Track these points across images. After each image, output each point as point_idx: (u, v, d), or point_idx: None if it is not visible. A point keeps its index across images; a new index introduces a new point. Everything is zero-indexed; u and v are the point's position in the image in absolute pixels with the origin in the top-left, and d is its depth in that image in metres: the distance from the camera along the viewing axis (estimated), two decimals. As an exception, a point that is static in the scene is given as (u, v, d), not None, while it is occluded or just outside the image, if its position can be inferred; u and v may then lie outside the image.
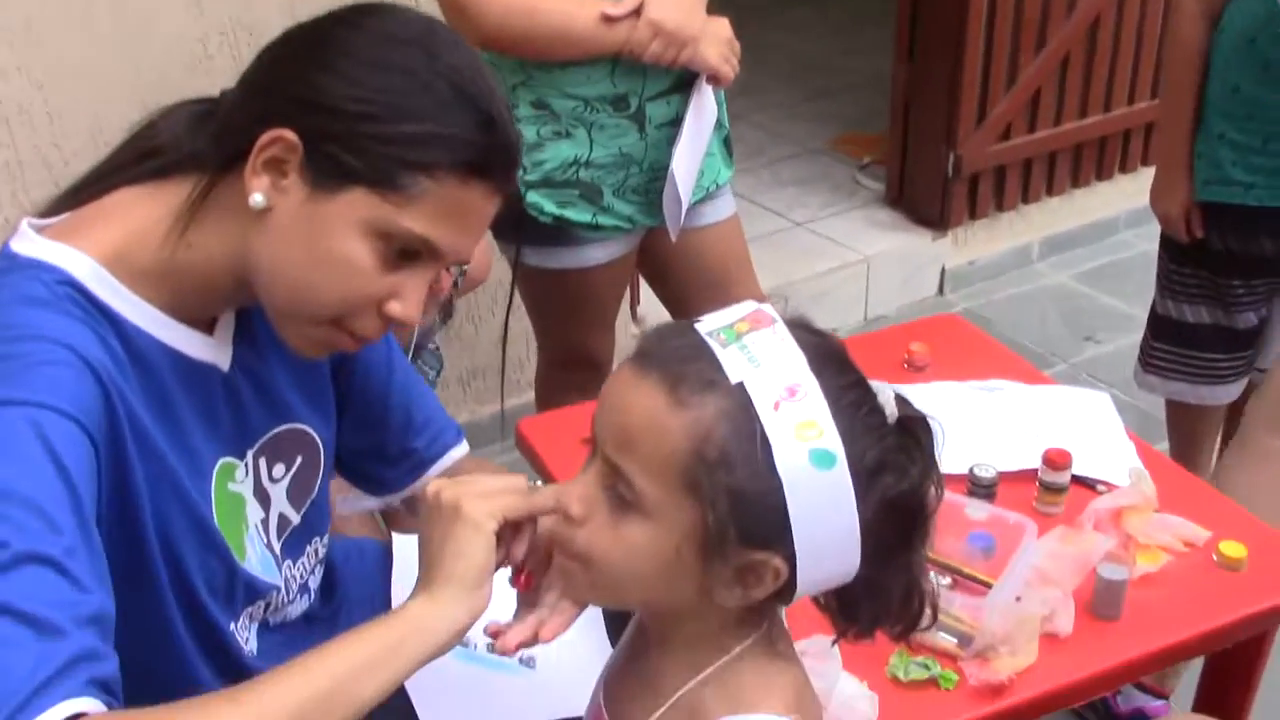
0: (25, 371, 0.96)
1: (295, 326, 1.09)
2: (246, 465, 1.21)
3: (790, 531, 0.86)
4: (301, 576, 1.32)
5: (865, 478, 0.88)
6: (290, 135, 1.02)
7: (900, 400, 0.95)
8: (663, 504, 0.88)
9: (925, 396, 1.80)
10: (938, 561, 1.47)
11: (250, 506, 1.22)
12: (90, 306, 1.04)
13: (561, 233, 2.03)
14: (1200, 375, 2.30)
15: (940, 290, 3.62)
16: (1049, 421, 1.75)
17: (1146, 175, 3.59)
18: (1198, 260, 2.21)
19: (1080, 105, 3.58)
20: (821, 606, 0.97)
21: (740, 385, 0.87)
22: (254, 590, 1.22)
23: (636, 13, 1.86)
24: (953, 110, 3.38)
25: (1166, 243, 2.28)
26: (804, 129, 4.35)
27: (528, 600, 1.05)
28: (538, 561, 1.04)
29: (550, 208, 2.00)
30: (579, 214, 2.01)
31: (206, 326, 1.15)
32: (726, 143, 2.17)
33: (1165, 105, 2.28)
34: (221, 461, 1.18)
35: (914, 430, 0.93)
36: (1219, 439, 2.44)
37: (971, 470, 1.62)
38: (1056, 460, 1.59)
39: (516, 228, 1.99)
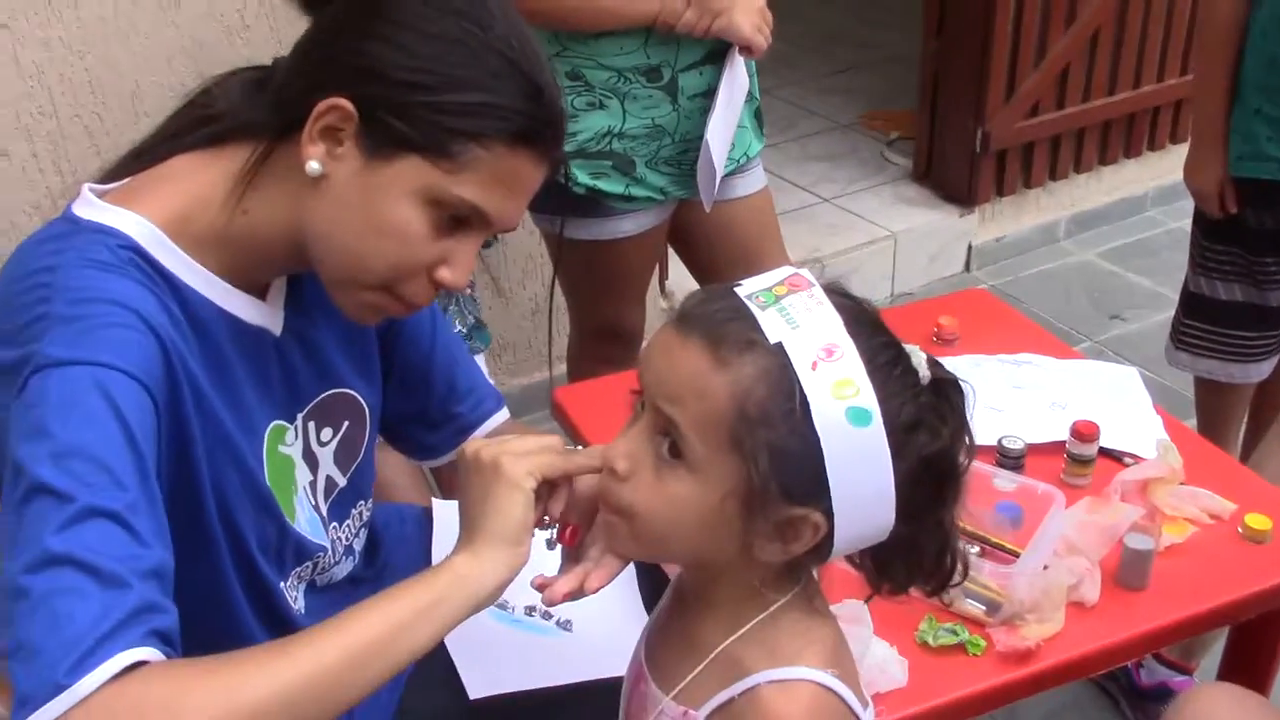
0: (91, 333, 0.99)
1: (348, 292, 1.12)
2: (296, 429, 1.25)
3: (828, 487, 0.89)
4: (347, 539, 1.35)
5: (900, 435, 0.91)
6: (346, 104, 1.05)
7: (933, 362, 0.97)
8: (707, 459, 0.91)
9: (954, 369, 1.83)
10: (966, 530, 1.49)
11: (299, 469, 1.26)
12: (151, 270, 1.07)
13: (594, 204, 2.06)
14: (1232, 353, 2.31)
15: (967, 267, 3.63)
16: (1077, 395, 1.77)
17: (1176, 153, 3.61)
18: (1231, 237, 2.22)
19: (1109, 82, 3.58)
20: (856, 565, 1.00)
21: (779, 345, 0.90)
22: (303, 551, 1.26)
23: None
24: (981, 86, 3.38)
25: (1200, 219, 2.28)
26: (833, 104, 4.35)
27: (572, 555, 1.08)
28: (581, 515, 1.07)
29: (584, 179, 2.03)
30: (612, 185, 2.04)
31: (260, 292, 1.18)
32: (758, 115, 2.20)
33: (1199, 79, 2.28)
34: (273, 424, 1.21)
35: (947, 391, 0.96)
36: (1246, 417, 2.46)
37: (1000, 442, 1.64)
38: (1084, 432, 1.61)
39: (559, 200, 2.03)
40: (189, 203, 1.11)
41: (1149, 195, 3.87)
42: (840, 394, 0.89)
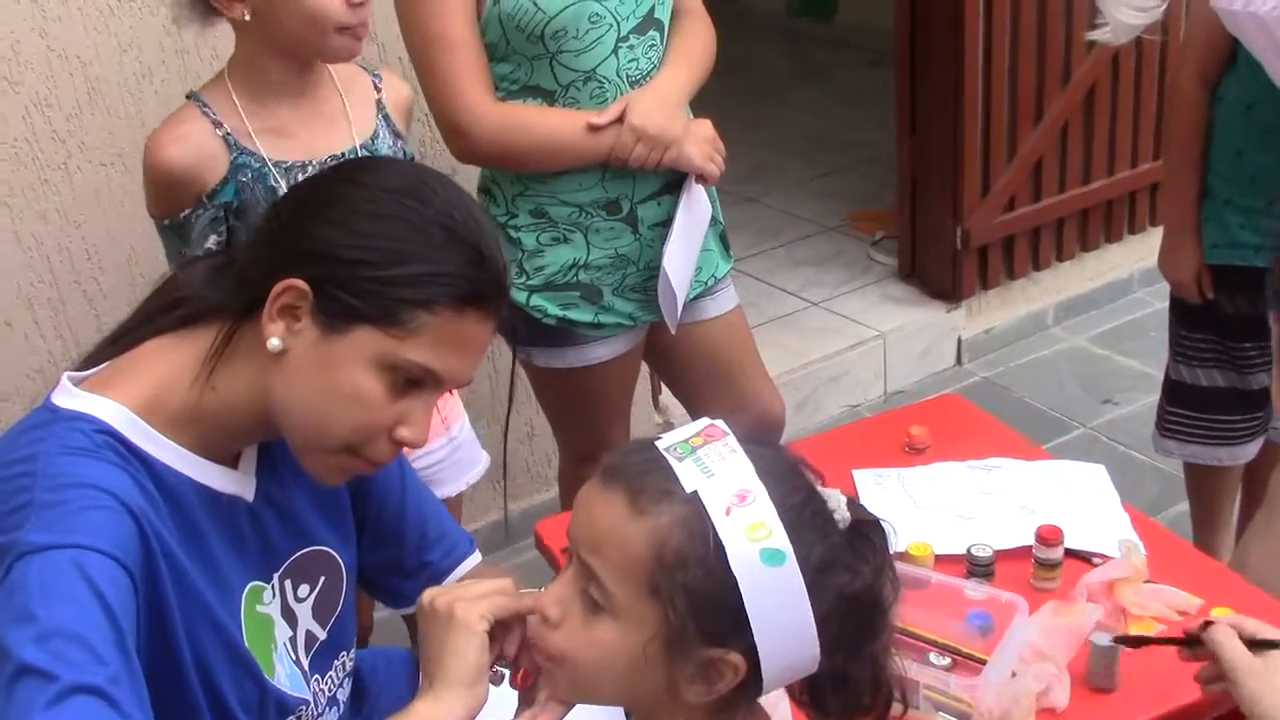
0: (69, 517, 1.06)
1: (314, 457, 1.19)
2: (273, 588, 1.31)
3: (748, 627, 0.95)
4: (330, 689, 1.40)
5: (814, 574, 0.96)
6: (300, 283, 1.13)
7: (853, 505, 1.04)
8: (628, 606, 0.97)
9: (925, 479, 1.89)
10: (937, 642, 1.53)
11: (278, 626, 1.32)
12: (126, 452, 1.14)
13: (566, 333, 2.12)
14: (1216, 438, 2.35)
15: (958, 360, 3.69)
16: (1044, 497, 1.82)
17: (1156, 234, 3.66)
18: (1208, 324, 2.27)
19: (1083, 172, 3.66)
20: (796, 698, 1.05)
21: (694, 494, 0.96)
22: (284, 706, 1.31)
23: (620, 120, 1.96)
24: (956, 185, 3.47)
25: (1176, 308, 2.33)
26: (818, 207, 4.45)
27: (527, 697, 1.13)
28: (531, 660, 1.12)
29: (554, 310, 2.09)
30: (581, 314, 2.10)
31: (232, 461, 1.25)
32: (723, 237, 2.26)
33: (1170, 172, 2.36)
34: (250, 585, 1.27)
35: (866, 532, 1.02)
36: (1238, 497, 2.49)
37: (969, 550, 1.69)
38: (1048, 537, 1.65)
39: (530, 332, 2.11)
40: (160, 384, 1.18)
41: (1134, 277, 3.93)
42: (754, 536, 0.95)
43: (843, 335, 3.55)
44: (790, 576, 0.95)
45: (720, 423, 1.03)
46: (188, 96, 1.86)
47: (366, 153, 1.87)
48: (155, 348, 1.21)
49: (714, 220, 2.20)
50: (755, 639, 0.95)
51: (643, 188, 2.05)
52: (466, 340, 1.17)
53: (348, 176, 1.19)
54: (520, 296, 2.08)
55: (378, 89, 1.96)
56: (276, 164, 1.80)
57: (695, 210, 2.09)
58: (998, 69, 3.39)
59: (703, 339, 2.25)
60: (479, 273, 1.15)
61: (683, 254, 2.09)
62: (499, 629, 1.10)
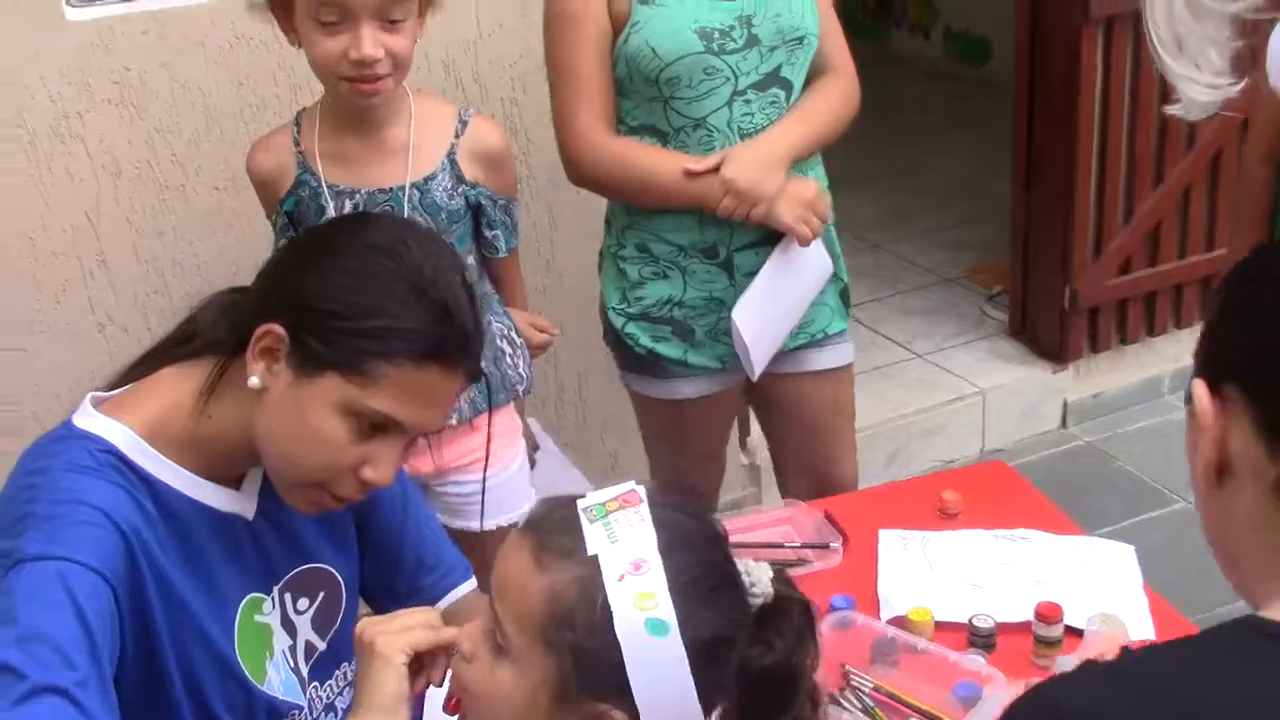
0: (61, 530, 1.18)
1: (287, 489, 1.30)
2: (273, 599, 1.41)
3: (629, 688, 1.00)
4: (328, 697, 1.50)
5: (708, 646, 1.01)
6: (278, 328, 1.23)
7: (780, 580, 1.08)
8: (524, 652, 1.04)
9: (947, 544, 1.90)
10: (918, 708, 1.55)
11: (277, 635, 1.42)
12: (129, 471, 1.27)
13: (654, 364, 2.20)
14: None
15: (1063, 423, 3.62)
16: (1062, 573, 1.80)
17: None
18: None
19: (1206, 238, 3.57)
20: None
21: (594, 557, 1.02)
22: (275, 710, 1.41)
23: (716, 169, 2.01)
24: (1067, 245, 3.42)
25: None
26: (943, 256, 4.42)
27: None
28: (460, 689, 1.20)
29: (645, 340, 2.17)
30: (670, 349, 2.17)
31: (235, 482, 1.36)
32: (843, 295, 2.27)
33: (1235, 247, 2.31)
34: (249, 597, 1.38)
35: (785, 609, 1.07)
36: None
37: (971, 620, 1.69)
38: (1047, 614, 1.65)
39: (623, 358, 2.20)
40: (166, 410, 1.30)
41: (1262, 348, 3.79)
42: (641, 605, 1.00)
43: (942, 389, 3.53)
44: (672, 647, 1.00)
45: (640, 489, 1.09)
46: (296, 115, 2.01)
47: (418, 191, 1.91)
48: (167, 375, 1.33)
49: (835, 277, 2.23)
50: (635, 701, 1.00)
51: (740, 236, 2.10)
52: (428, 392, 1.25)
53: (337, 230, 1.30)
54: (617, 322, 2.18)
55: (458, 133, 1.96)
56: (330, 186, 1.89)
57: (794, 266, 2.11)
58: (1114, 129, 3.34)
59: (798, 390, 2.29)
60: (443, 329, 1.24)
61: (766, 308, 2.12)
62: (427, 658, 1.18)
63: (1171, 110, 2.14)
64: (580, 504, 1.08)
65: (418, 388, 1.24)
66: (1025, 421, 3.57)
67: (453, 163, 1.95)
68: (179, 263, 2.54)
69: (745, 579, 1.08)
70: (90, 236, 2.46)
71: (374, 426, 1.25)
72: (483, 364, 1.93)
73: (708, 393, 2.24)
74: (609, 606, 1.00)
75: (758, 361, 2.16)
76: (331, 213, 1.87)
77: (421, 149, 1.93)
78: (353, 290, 1.23)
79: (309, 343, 1.23)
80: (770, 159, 2.03)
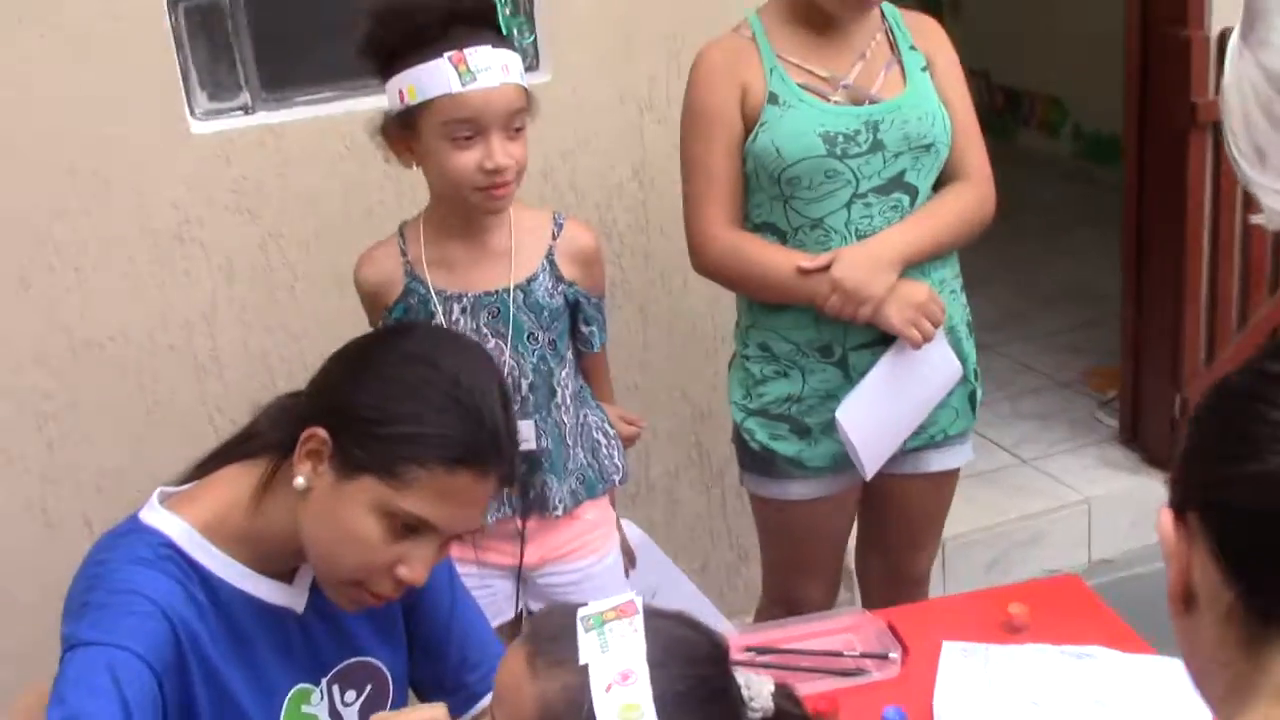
0: (114, 619, 1.28)
1: (329, 585, 1.37)
2: (321, 691, 1.48)
3: None
4: (375, 784, 1.55)
5: None
6: (322, 432, 1.32)
7: (783, 695, 1.10)
8: None
9: (1011, 658, 1.87)
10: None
11: (325, 725, 1.49)
12: (185, 564, 1.35)
13: (769, 463, 2.23)
14: None
15: (1175, 533, 3.51)
16: (1125, 693, 1.76)
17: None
18: None
19: (1329, 346, 3.45)
20: None
21: (585, 666, 1.05)
22: (320, 795, 1.47)
23: (828, 267, 2.05)
24: (1177, 351, 3.35)
25: None
26: (1058, 360, 4.36)
27: None
28: None
29: (761, 436, 2.21)
30: (786, 447, 2.20)
31: (288, 576, 1.44)
32: (971, 398, 2.27)
33: None
34: (297, 688, 1.45)
35: None
36: None
37: (1023, 739, 1.67)
38: (1098, 737, 1.61)
39: (741, 454, 2.25)
40: (224, 507, 1.39)
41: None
42: (626, 716, 1.03)
43: (1044, 496, 3.46)
44: None
45: (638, 599, 1.12)
46: (400, 227, 2.08)
47: (521, 292, 1.98)
48: (228, 474, 1.42)
49: (965, 379, 2.23)
50: None
51: (855, 335, 2.13)
52: (460, 495, 1.31)
53: (381, 340, 1.38)
54: (737, 417, 2.24)
55: (555, 236, 2.04)
56: (439, 292, 1.97)
57: (912, 368, 2.12)
58: (1225, 232, 3.28)
59: (905, 489, 2.30)
60: (474, 436, 1.30)
61: (878, 407, 2.13)
62: None
63: (1255, 220, 2.11)
64: (580, 613, 1.12)
65: (449, 491, 1.30)
66: (1134, 531, 3.46)
67: (551, 264, 2.02)
68: (287, 359, 2.68)
69: (745, 693, 1.10)
70: (205, 334, 2.61)
71: (407, 527, 1.31)
72: (580, 455, 2.02)
73: (820, 495, 2.25)
74: (594, 716, 1.03)
75: (868, 461, 2.18)
76: (440, 317, 1.96)
77: (522, 252, 2.01)
78: (388, 397, 1.31)
79: (348, 446, 1.30)
80: (880, 260, 2.05)
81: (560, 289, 2.04)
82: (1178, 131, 3.20)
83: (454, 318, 1.96)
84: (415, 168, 1.98)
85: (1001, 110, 6.98)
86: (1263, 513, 0.82)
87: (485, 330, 1.97)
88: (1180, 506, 0.90)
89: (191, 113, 2.55)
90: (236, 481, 1.41)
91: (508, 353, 1.97)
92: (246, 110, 2.60)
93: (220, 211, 2.57)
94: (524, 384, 2.00)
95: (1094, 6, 5.47)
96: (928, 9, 7.69)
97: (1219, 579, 0.86)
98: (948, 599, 2.47)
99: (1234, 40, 1.93)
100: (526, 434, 1.97)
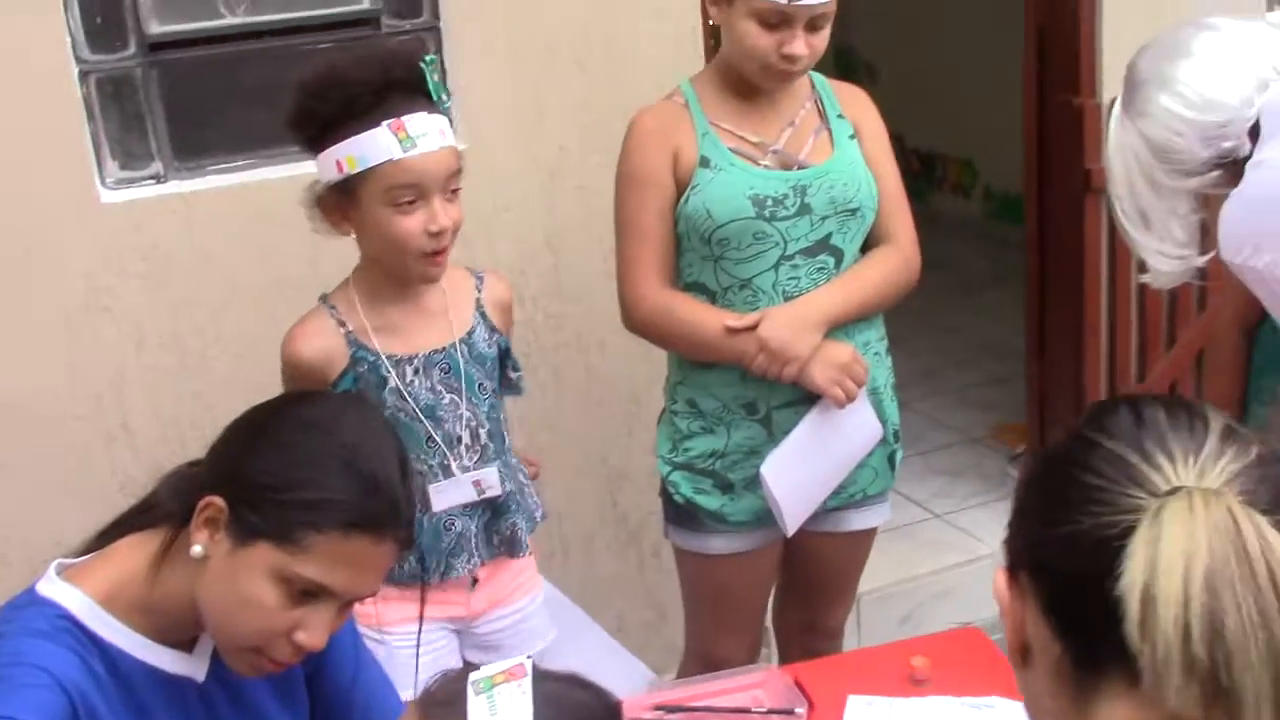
0: (9, 692, 1.27)
1: (227, 652, 1.38)
2: (223, 760, 1.48)
3: None
4: None
5: None
6: (219, 500, 1.33)
7: None
8: None
9: (915, 711, 1.91)
10: None
11: (231, 791, 1.48)
12: (83, 636, 1.36)
13: (692, 516, 2.27)
14: None
15: (1084, 583, 3.59)
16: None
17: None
18: None
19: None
20: None
21: None
22: None
23: (755, 326, 2.11)
24: (1080, 407, 3.44)
25: None
26: (969, 416, 4.45)
27: None
28: None
29: (686, 490, 2.25)
30: (708, 500, 2.24)
31: (188, 645, 1.44)
32: (891, 459, 2.33)
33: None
34: (199, 758, 1.45)
35: None
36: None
37: (923, 790, 1.70)
38: (994, 786, 1.65)
39: (666, 508, 2.30)
40: (121, 577, 1.40)
41: None
42: None
43: (956, 550, 3.53)
44: None
45: (529, 662, 1.14)
46: (320, 299, 2.04)
47: (466, 346, 2.02)
48: (127, 544, 1.43)
49: (885, 441, 2.28)
50: None
51: (780, 394, 2.17)
52: (357, 560, 1.33)
53: (277, 407, 1.40)
54: (663, 470, 2.28)
55: (479, 289, 2.09)
56: (389, 357, 1.97)
57: (834, 427, 2.17)
58: (1123, 293, 3.39)
59: (824, 547, 2.35)
60: (370, 501, 1.32)
61: (801, 466, 2.18)
62: None
63: (1143, 279, 2.21)
64: (471, 676, 1.13)
65: (346, 556, 1.32)
66: (1045, 583, 3.54)
67: (483, 315, 2.08)
68: (199, 426, 2.67)
69: None
70: (115, 402, 2.60)
71: (305, 593, 1.33)
72: (509, 489, 2.03)
73: (741, 549, 2.29)
74: None
75: (790, 518, 2.22)
76: (394, 381, 1.96)
77: (457, 308, 2.05)
78: (285, 464, 1.33)
79: (245, 513, 1.32)
80: (805, 321, 2.12)
81: (494, 338, 2.09)
82: (1074, 195, 3.32)
83: (408, 380, 1.97)
84: (350, 235, 1.97)
85: (916, 173, 7.15)
86: (1077, 571, 0.88)
87: (440, 387, 1.99)
88: (1013, 566, 0.96)
89: (102, 182, 2.55)
90: (135, 551, 1.41)
91: (464, 405, 2.00)
92: (159, 179, 2.61)
93: (131, 279, 2.57)
94: (482, 433, 2.03)
95: (999, 72, 5.66)
96: (843, 74, 7.85)
97: (1048, 634, 0.92)
98: (855, 653, 2.51)
99: (1116, 110, 2.04)
100: (491, 480, 2.02)
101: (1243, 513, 0.86)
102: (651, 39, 2.44)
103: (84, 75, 2.52)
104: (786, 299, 2.14)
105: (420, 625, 1.81)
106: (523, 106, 2.77)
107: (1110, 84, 3.23)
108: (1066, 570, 0.91)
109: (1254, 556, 0.84)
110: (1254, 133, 1.84)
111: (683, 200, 2.14)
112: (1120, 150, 2.01)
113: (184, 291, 2.61)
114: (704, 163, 2.13)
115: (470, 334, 2.05)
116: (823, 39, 2.09)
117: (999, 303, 5.64)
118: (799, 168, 2.16)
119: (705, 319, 2.15)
